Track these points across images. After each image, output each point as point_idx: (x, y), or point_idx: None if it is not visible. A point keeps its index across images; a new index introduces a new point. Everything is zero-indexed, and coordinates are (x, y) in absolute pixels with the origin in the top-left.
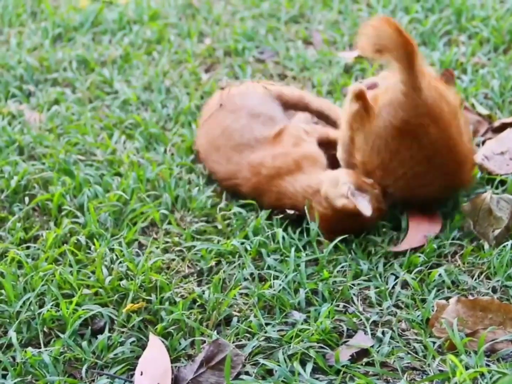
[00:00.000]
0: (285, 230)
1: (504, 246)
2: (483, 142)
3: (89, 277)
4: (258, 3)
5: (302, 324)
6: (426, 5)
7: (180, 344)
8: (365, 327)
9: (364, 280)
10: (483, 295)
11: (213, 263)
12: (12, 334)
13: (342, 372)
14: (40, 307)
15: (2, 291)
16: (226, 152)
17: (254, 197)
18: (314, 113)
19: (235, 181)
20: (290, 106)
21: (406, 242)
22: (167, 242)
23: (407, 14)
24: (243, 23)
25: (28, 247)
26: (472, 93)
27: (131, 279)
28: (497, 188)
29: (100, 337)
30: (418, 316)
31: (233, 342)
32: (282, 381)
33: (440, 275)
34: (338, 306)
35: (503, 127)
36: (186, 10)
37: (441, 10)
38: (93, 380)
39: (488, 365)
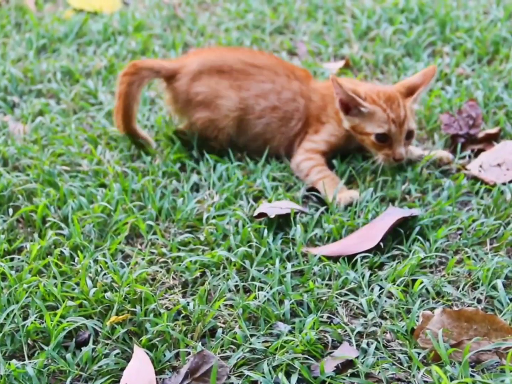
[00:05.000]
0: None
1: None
2: (475, 154)
3: (73, 289)
4: (243, 14)
5: (287, 335)
6: (411, 16)
7: (164, 356)
8: (350, 338)
9: (349, 291)
10: (467, 306)
11: (197, 274)
12: None
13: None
14: (24, 319)
15: None
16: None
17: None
18: None
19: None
20: None
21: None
22: (152, 253)
23: (391, 25)
24: (228, 34)
25: (12, 259)
26: (456, 104)
27: (116, 291)
28: (482, 198)
29: (84, 349)
30: (403, 326)
31: (218, 354)
32: None
33: (424, 285)
34: (322, 317)
35: (487, 138)
36: (171, 21)
37: (426, 21)
38: None
39: (473, 376)
